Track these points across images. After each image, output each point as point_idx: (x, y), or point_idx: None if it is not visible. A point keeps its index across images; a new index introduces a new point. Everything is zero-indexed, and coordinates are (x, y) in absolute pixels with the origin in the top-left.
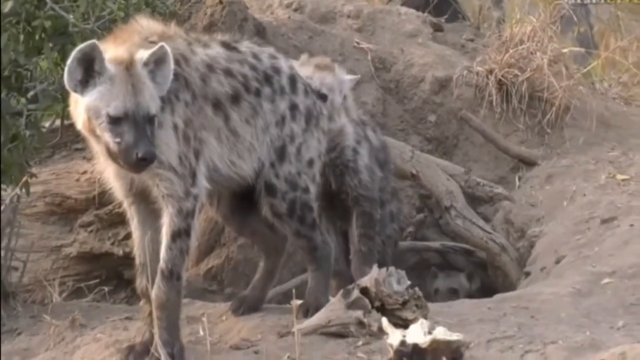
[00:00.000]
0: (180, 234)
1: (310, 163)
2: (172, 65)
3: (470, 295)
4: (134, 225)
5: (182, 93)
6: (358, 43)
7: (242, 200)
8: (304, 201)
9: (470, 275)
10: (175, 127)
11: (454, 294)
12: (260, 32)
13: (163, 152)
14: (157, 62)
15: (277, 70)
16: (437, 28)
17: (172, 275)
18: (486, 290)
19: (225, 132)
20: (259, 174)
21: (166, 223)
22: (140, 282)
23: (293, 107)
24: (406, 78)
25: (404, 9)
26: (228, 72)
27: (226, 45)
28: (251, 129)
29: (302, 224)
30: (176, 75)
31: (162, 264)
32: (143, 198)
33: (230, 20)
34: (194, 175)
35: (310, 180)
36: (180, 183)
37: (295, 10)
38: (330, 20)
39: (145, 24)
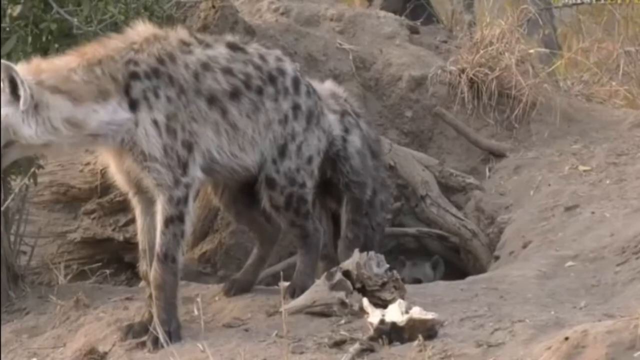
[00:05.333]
0: (172, 220)
1: (310, 160)
2: (5, 82)
3: None
4: (137, 214)
5: (163, 90)
6: (340, 44)
7: (242, 191)
8: (300, 195)
9: (435, 264)
10: (155, 122)
11: (418, 283)
12: (250, 34)
13: (147, 146)
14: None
15: (282, 72)
16: (414, 30)
17: (166, 258)
18: (455, 275)
19: (224, 125)
20: (262, 168)
21: (159, 210)
22: (141, 266)
23: (295, 107)
24: (385, 76)
25: (382, 13)
26: (227, 71)
27: (232, 46)
28: (252, 124)
29: (297, 215)
30: (157, 73)
31: (157, 248)
32: (142, 188)
33: (222, 23)
34: (184, 166)
35: (308, 176)
36: (168, 173)
37: (282, 14)
38: (314, 23)
39: (141, 28)
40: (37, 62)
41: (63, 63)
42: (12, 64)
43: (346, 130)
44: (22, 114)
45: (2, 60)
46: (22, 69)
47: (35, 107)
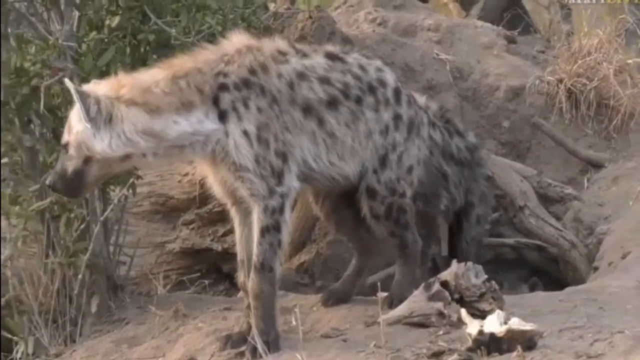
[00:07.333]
0: (268, 230)
1: (410, 170)
2: (77, 102)
3: None
4: (235, 224)
5: (253, 100)
6: (437, 54)
7: (342, 201)
8: (400, 205)
9: (533, 286)
10: (246, 132)
11: None
12: (347, 45)
13: (238, 157)
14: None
15: (382, 83)
16: (511, 40)
17: (263, 268)
18: (554, 286)
19: (321, 134)
20: (363, 178)
21: (255, 220)
22: (239, 276)
23: (397, 118)
24: (482, 87)
25: (480, 23)
26: (324, 80)
27: (330, 56)
28: (352, 133)
29: (397, 225)
30: (247, 84)
31: (254, 257)
32: (239, 199)
33: (319, 34)
34: (279, 175)
35: (407, 186)
36: (261, 183)
37: (379, 24)
38: (411, 34)
39: (235, 39)
40: (120, 77)
41: (147, 76)
42: (71, 83)
43: None
44: (92, 129)
45: (66, 80)
46: (105, 85)
47: (109, 121)
